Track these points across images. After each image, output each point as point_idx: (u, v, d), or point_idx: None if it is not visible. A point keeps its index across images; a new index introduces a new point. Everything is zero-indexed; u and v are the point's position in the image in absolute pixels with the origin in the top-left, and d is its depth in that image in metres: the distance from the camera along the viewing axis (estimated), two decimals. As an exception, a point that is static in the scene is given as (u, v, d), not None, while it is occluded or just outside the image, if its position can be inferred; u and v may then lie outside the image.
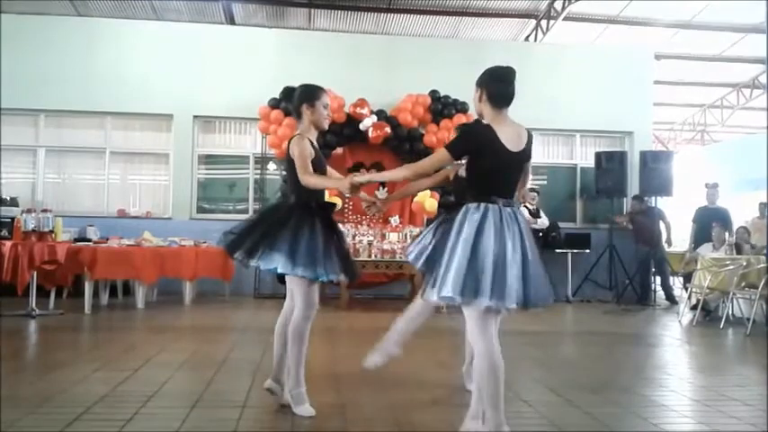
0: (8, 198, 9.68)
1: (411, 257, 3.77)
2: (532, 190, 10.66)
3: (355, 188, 3.24)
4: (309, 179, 3.44)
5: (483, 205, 2.94)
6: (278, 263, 3.38)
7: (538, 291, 2.91)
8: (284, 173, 10.14)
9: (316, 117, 3.63)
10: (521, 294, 2.83)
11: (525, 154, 3.12)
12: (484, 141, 3.00)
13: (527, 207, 10.44)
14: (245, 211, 10.80)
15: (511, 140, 3.03)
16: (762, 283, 7.21)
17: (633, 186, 10.92)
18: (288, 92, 3.94)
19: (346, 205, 10.16)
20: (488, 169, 3.02)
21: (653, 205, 10.73)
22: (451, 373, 4.93)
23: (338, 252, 3.56)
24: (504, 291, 2.79)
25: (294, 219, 3.46)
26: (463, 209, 2.97)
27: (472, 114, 10.48)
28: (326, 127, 3.76)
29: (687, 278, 9.44)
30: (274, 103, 10.15)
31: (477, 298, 2.78)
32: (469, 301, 2.80)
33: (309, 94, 3.66)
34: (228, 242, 3.59)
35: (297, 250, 3.36)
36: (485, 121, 3.11)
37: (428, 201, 9.65)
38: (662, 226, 10.58)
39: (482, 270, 2.80)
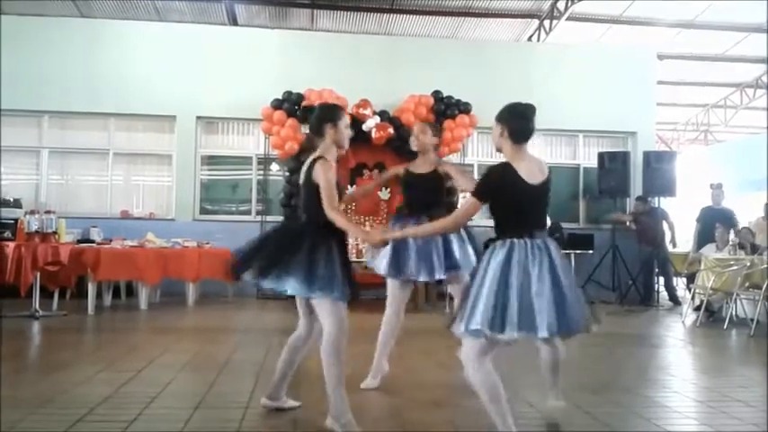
0: (12, 199, 9.69)
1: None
2: None
3: (383, 243, 3.49)
4: (337, 217, 3.34)
5: (509, 241, 2.98)
6: (291, 286, 3.30)
7: (573, 317, 2.95)
8: (287, 173, 10.21)
9: (338, 137, 3.62)
10: (554, 322, 2.85)
11: (546, 186, 3.14)
12: (507, 180, 3.06)
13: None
14: (248, 212, 10.84)
15: (531, 174, 3.08)
16: (765, 284, 7.19)
17: (636, 187, 10.90)
18: (307, 110, 3.98)
19: (349, 207, 10.15)
20: (512, 206, 3.07)
21: (656, 206, 10.71)
22: (451, 374, 4.93)
23: (346, 272, 3.48)
24: (534, 322, 2.83)
25: (308, 241, 3.37)
26: (490, 246, 3.04)
27: (475, 115, 10.49)
28: (347, 146, 3.74)
29: (690, 279, 9.41)
30: (277, 104, 10.17)
31: (505, 331, 2.82)
32: (497, 334, 2.84)
33: (332, 113, 3.68)
34: (238, 262, 3.59)
35: (314, 273, 3.29)
36: (504, 156, 3.18)
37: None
38: (665, 226, 10.55)
39: (509, 303, 2.84)
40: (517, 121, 3.13)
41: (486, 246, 3.13)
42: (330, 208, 3.34)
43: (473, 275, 3.10)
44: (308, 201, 3.50)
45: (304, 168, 3.56)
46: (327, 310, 3.34)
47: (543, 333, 2.84)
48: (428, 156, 4.44)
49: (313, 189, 3.43)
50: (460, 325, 2.94)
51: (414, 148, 4.45)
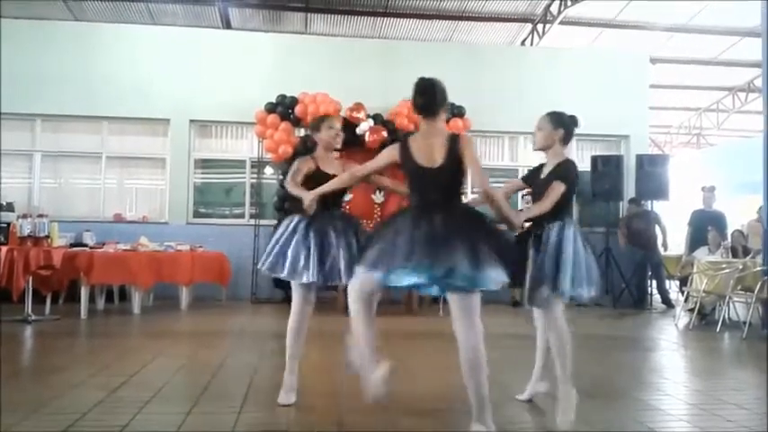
0: (4, 203, 9.66)
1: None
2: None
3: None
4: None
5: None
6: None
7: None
8: (281, 177, 10.21)
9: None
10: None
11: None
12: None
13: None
14: (242, 216, 10.82)
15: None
16: (758, 287, 7.22)
17: (629, 190, 10.93)
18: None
19: (344, 205, 10.16)
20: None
21: (648, 209, 10.75)
22: (448, 376, 4.93)
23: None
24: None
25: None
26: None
27: (469, 118, 10.51)
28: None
29: (683, 282, 9.45)
30: (271, 108, 10.16)
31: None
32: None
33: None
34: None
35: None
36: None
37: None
38: (657, 230, 10.58)
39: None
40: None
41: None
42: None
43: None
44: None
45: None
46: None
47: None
48: None
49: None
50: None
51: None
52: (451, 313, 3.14)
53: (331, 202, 3.88)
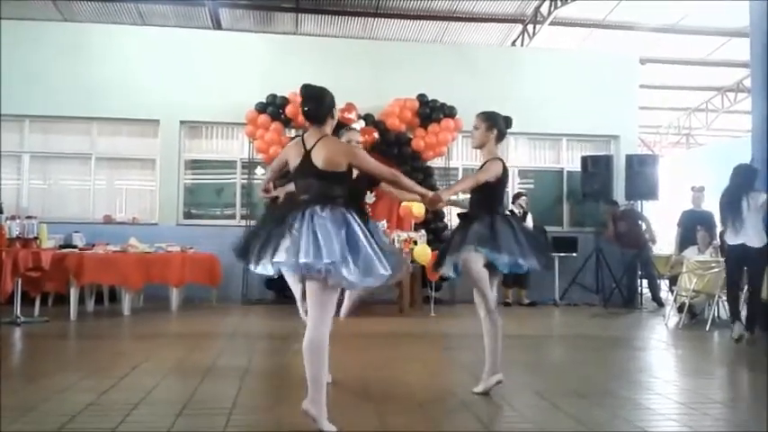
0: (-8, 204, 9.58)
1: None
2: (520, 193, 10.70)
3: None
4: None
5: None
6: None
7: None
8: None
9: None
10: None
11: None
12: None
13: (513, 211, 10.46)
14: (233, 217, 10.81)
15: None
16: (746, 286, 7.25)
17: (619, 190, 10.97)
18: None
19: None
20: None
21: (630, 207, 10.79)
22: (436, 377, 4.94)
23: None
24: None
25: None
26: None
27: (460, 119, 10.52)
28: None
29: (673, 281, 9.49)
30: (261, 108, 10.15)
31: None
32: None
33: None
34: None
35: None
36: None
37: (416, 205, 9.65)
38: (643, 226, 10.62)
39: None
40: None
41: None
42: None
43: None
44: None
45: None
46: None
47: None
48: None
49: None
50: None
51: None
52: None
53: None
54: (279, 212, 3.44)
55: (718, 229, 9.80)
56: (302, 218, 3.22)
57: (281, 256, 3.18)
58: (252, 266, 3.35)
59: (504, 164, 4.17)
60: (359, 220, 3.32)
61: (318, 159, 3.34)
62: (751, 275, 6.89)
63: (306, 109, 3.48)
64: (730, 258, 7.00)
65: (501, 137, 4.25)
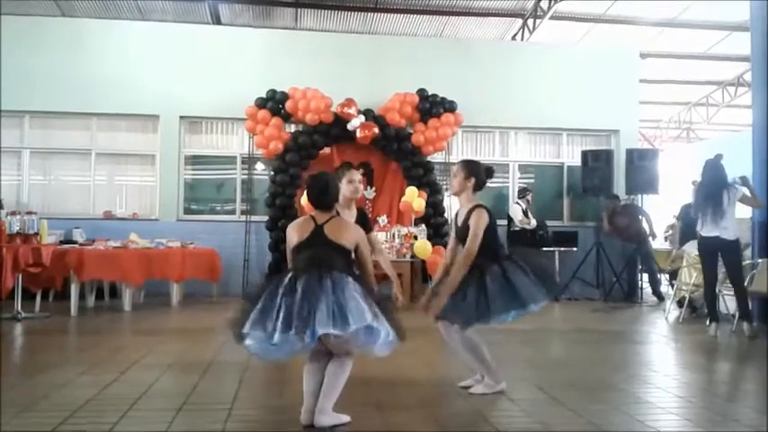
0: (-7, 200, 9.59)
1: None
2: (526, 189, 10.70)
3: None
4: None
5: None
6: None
7: None
8: (272, 173, 10.21)
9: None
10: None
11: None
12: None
13: (519, 204, 10.47)
14: (233, 212, 10.80)
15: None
16: (746, 279, 7.26)
17: (620, 184, 10.96)
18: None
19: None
20: None
21: (630, 202, 10.78)
22: (437, 373, 4.95)
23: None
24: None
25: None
26: None
27: (460, 113, 10.51)
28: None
29: (673, 275, 9.49)
30: (261, 103, 10.13)
31: None
32: None
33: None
34: None
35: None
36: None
37: (416, 200, 9.67)
38: (643, 222, 10.61)
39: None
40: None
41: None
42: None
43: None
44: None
45: None
46: None
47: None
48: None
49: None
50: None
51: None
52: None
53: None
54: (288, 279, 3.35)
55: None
56: (320, 283, 3.26)
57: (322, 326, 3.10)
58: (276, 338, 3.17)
59: (486, 210, 4.15)
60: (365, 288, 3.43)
61: (330, 233, 3.51)
62: (729, 267, 6.93)
63: (313, 198, 3.66)
64: (706, 251, 7.03)
65: (479, 186, 4.26)
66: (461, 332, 4.09)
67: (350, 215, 4.39)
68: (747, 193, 6.97)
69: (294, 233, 3.57)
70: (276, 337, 3.15)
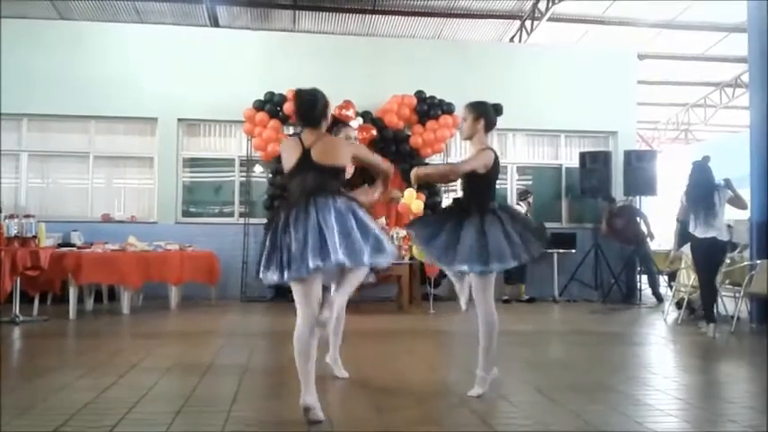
0: (-9, 203, 9.57)
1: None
2: (527, 191, 10.69)
3: None
4: None
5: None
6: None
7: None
8: (270, 175, 10.21)
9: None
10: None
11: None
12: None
13: (520, 206, 10.47)
14: (231, 215, 10.79)
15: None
16: (745, 281, 7.27)
17: (618, 186, 10.97)
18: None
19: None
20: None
21: (627, 203, 10.79)
22: (436, 374, 4.94)
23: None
24: None
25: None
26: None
27: (458, 115, 10.51)
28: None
29: (672, 277, 9.50)
30: (259, 105, 10.14)
31: None
32: None
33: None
34: None
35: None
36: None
37: (414, 202, 9.66)
38: (641, 223, 10.61)
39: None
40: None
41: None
42: None
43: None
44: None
45: None
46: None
47: None
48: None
49: None
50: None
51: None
52: None
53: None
54: (283, 215, 3.45)
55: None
56: (307, 211, 3.34)
57: (316, 260, 3.26)
58: (285, 276, 3.33)
59: (495, 154, 4.06)
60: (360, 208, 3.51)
61: (318, 156, 3.47)
62: (711, 266, 7.00)
63: (300, 113, 3.61)
64: (700, 253, 7.03)
65: (490, 126, 4.12)
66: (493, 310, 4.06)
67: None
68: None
69: (286, 157, 3.60)
70: (286, 275, 3.32)
